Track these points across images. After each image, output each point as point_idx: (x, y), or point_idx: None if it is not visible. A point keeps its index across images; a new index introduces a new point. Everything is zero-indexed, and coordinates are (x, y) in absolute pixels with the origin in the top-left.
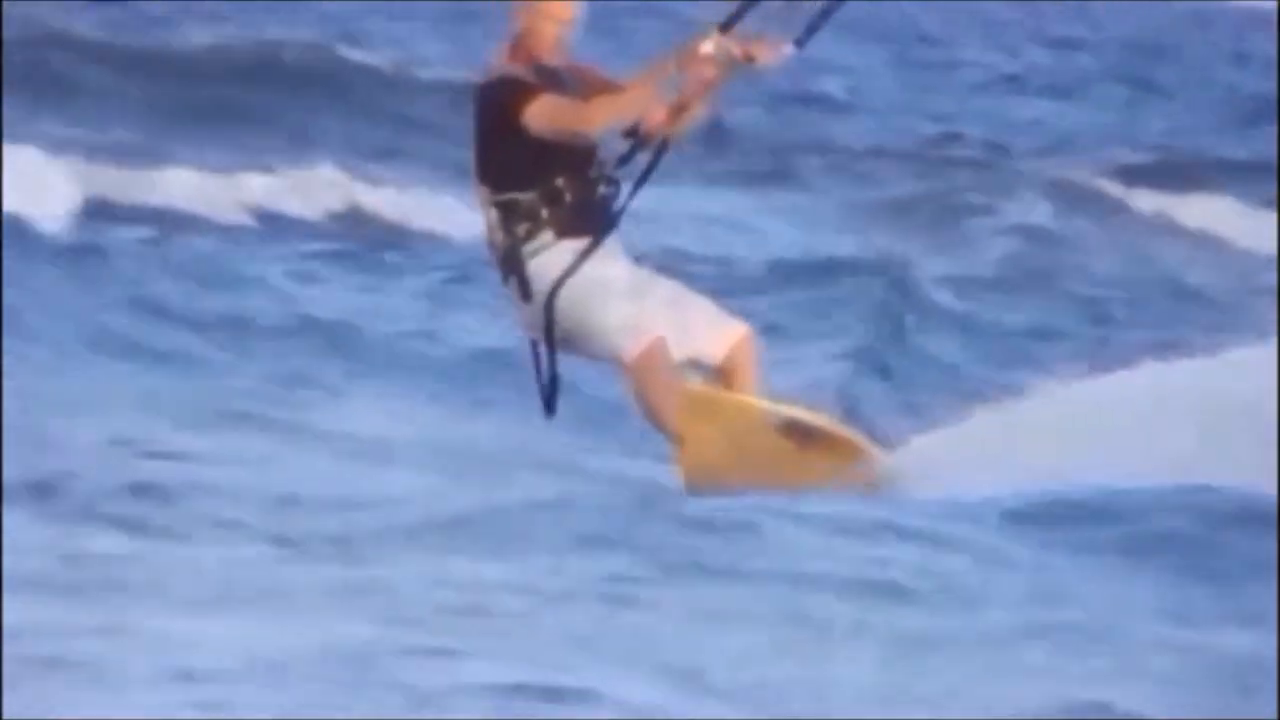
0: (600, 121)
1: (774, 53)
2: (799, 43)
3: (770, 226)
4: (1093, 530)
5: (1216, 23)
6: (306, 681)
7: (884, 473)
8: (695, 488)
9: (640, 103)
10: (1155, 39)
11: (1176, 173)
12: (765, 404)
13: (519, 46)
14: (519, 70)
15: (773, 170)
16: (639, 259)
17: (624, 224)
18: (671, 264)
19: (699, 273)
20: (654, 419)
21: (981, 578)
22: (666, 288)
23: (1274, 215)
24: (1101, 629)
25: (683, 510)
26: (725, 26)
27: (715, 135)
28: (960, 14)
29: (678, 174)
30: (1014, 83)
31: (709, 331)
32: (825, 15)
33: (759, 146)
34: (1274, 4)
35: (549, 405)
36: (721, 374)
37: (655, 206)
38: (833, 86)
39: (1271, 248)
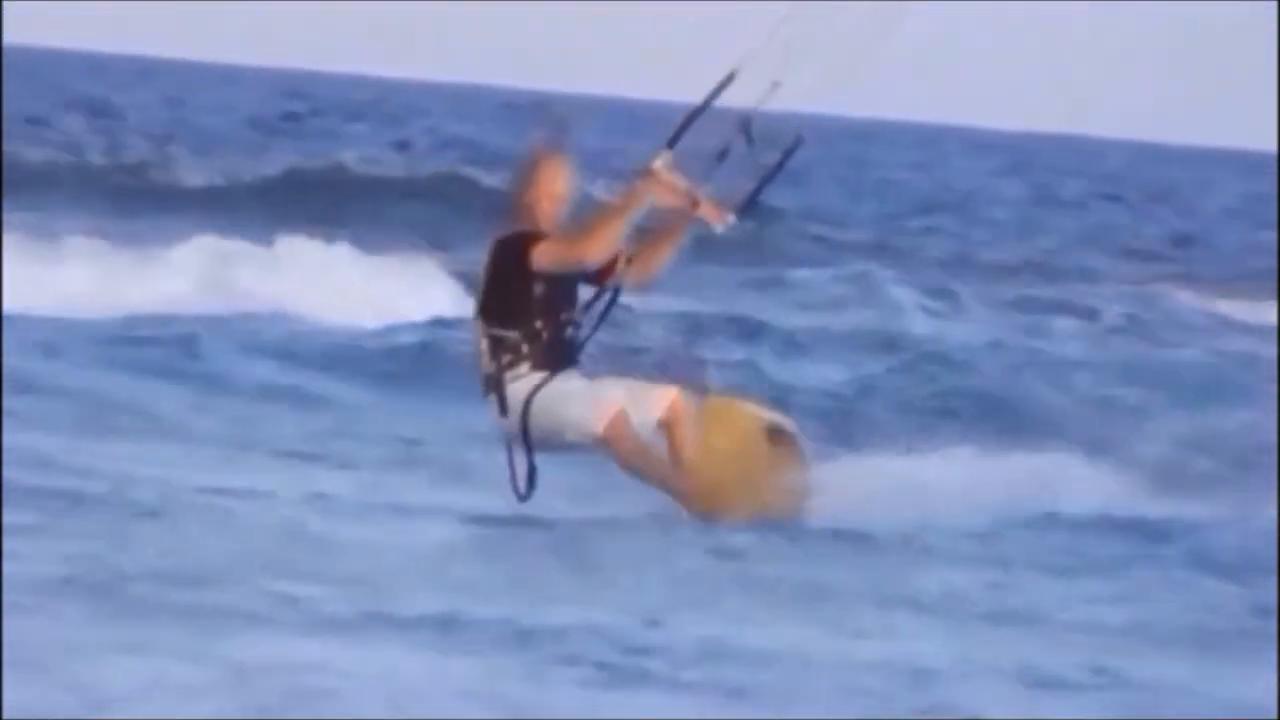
0: (597, 249)
1: (718, 215)
2: (739, 213)
3: None
4: None
5: None
6: None
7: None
8: (699, 510)
9: (621, 225)
10: None
11: None
12: (756, 408)
13: (524, 218)
14: (525, 226)
15: None
16: None
17: None
18: None
19: None
20: (637, 474)
21: None
22: (611, 380)
23: None
24: None
25: None
26: (671, 142)
27: None
28: None
29: None
30: None
31: (650, 398)
32: (762, 186)
33: None
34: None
35: (529, 487)
36: (664, 426)
37: None
38: None
39: None
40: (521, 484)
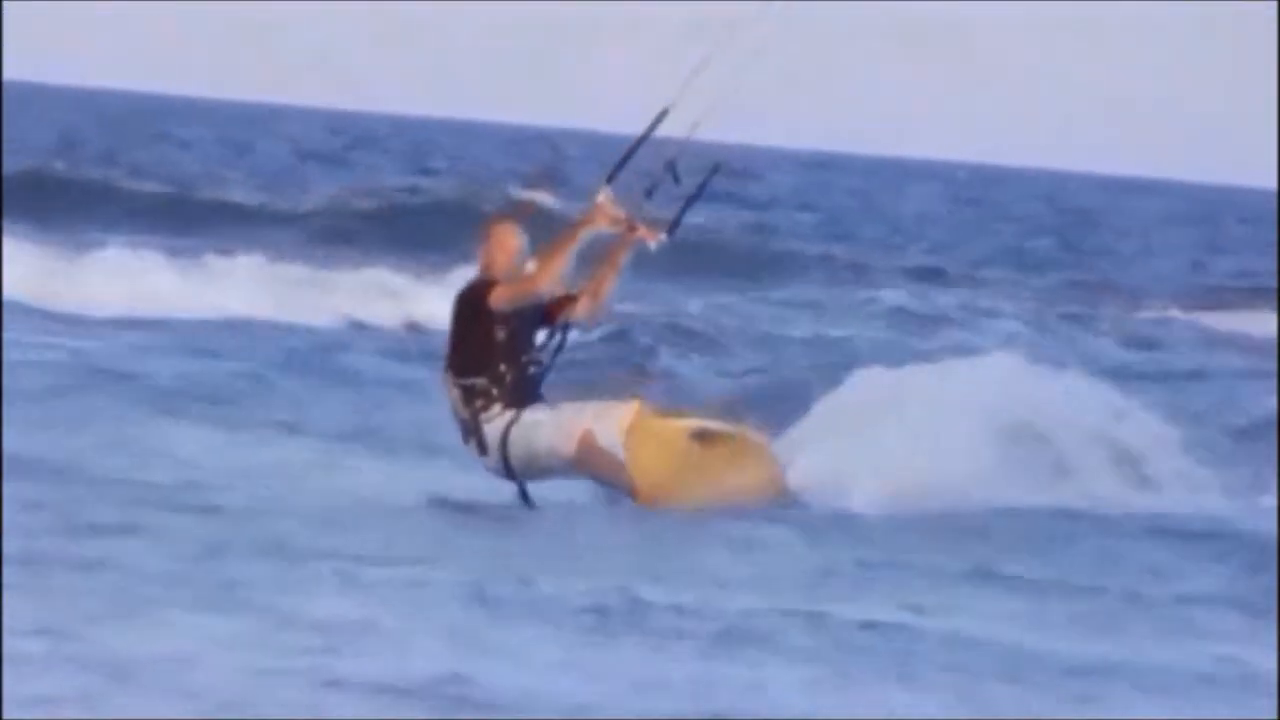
0: (544, 281)
1: (653, 235)
2: (670, 232)
3: None
4: None
5: None
6: None
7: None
8: (652, 501)
9: (566, 256)
10: None
11: None
12: (678, 419)
13: (486, 265)
14: (485, 277)
15: None
16: None
17: None
18: None
19: None
20: (610, 483)
21: None
22: (575, 404)
23: None
24: None
25: None
26: (610, 177)
27: None
28: None
29: None
30: None
31: (614, 414)
32: (687, 207)
33: None
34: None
35: (527, 503)
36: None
37: None
38: None
39: None
40: (521, 500)
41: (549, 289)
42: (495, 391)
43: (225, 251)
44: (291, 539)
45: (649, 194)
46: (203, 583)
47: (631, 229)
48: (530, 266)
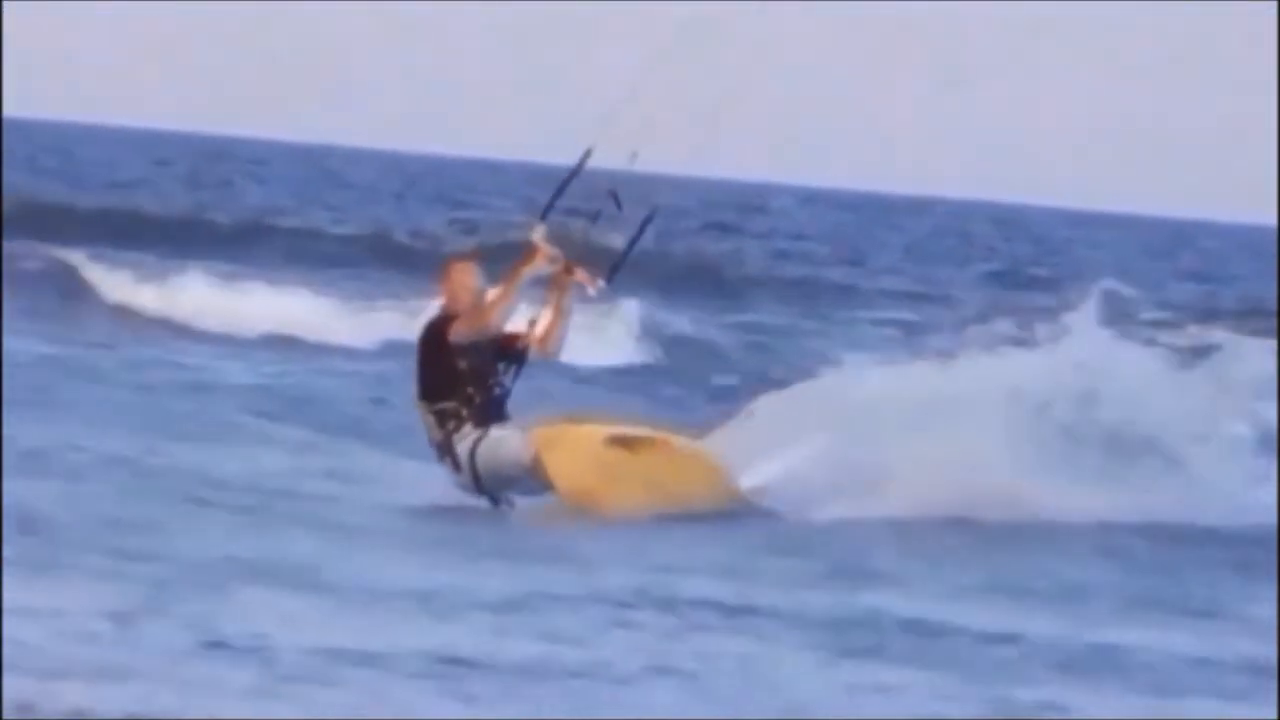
0: (494, 317)
1: (592, 281)
2: (610, 278)
3: None
4: None
5: None
6: None
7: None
8: (575, 504)
9: (512, 296)
10: None
11: None
12: (592, 426)
13: (446, 301)
14: (445, 313)
15: None
16: None
17: None
18: None
19: None
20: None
21: None
22: (535, 420)
23: None
24: None
25: None
26: (544, 214)
27: None
28: None
29: None
30: None
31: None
32: (626, 254)
33: None
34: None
35: (500, 506)
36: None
37: None
38: None
39: None
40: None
41: (499, 324)
42: (465, 412)
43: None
44: None
45: (594, 219)
46: None
47: (569, 271)
48: (490, 296)
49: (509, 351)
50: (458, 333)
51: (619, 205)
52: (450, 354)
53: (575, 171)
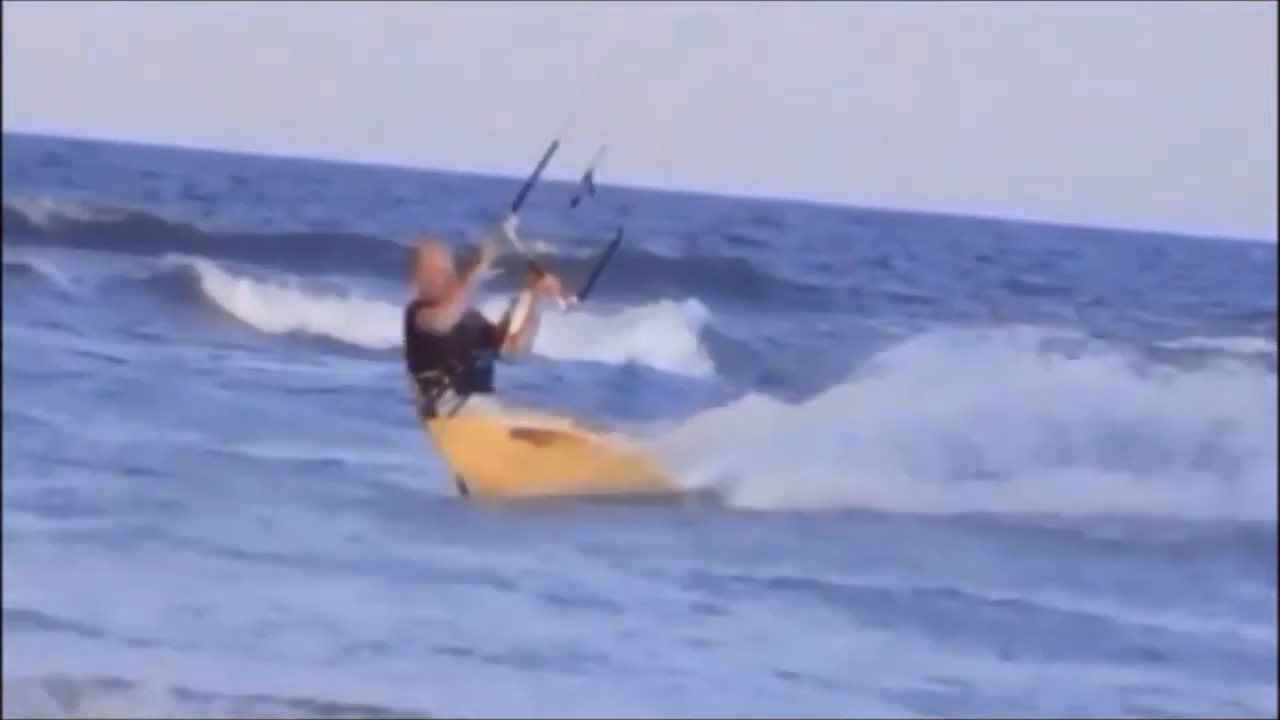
0: (448, 316)
1: (564, 296)
2: (581, 296)
3: None
4: None
5: None
6: None
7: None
8: (482, 491)
9: (465, 293)
10: None
11: None
12: (494, 418)
13: (419, 284)
14: (419, 296)
15: None
16: None
17: None
18: None
19: None
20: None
21: None
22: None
23: None
24: None
25: None
26: (515, 205)
27: None
28: None
29: None
30: None
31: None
32: (598, 271)
33: None
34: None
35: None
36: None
37: None
38: None
39: None
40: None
41: (448, 324)
42: (447, 380)
43: None
44: None
45: (574, 203)
46: None
47: (539, 275)
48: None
49: (488, 339)
50: (422, 323)
51: (592, 191)
52: (431, 332)
53: (542, 166)
